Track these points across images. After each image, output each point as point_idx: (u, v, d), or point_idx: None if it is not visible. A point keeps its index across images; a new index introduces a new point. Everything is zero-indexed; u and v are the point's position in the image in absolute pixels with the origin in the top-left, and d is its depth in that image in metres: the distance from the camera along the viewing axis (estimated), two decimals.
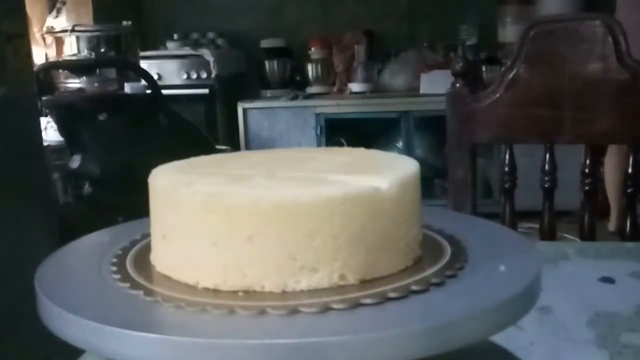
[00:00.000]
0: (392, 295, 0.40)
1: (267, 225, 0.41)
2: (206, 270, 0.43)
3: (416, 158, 0.51)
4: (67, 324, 0.40)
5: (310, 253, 0.42)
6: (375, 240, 0.43)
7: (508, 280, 0.43)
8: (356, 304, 0.39)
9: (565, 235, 2.19)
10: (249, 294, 0.42)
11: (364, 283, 0.43)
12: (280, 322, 0.38)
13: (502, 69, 1.28)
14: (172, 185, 0.45)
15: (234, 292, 0.42)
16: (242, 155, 0.60)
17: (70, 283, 0.46)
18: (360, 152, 0.55)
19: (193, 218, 0.43)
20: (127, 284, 0.44)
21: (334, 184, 0.44)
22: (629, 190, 1.23)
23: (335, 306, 0.39)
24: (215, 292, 0.42)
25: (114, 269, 0.47)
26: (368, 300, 0.40)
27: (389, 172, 0.46)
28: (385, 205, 0.44)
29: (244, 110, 3.66)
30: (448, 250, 0.48)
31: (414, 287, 0.41)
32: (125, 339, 0.37)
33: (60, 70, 2.96)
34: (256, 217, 0.41)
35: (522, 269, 0.45)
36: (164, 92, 2.91)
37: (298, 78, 3.92)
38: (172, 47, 3.89)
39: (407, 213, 0.46)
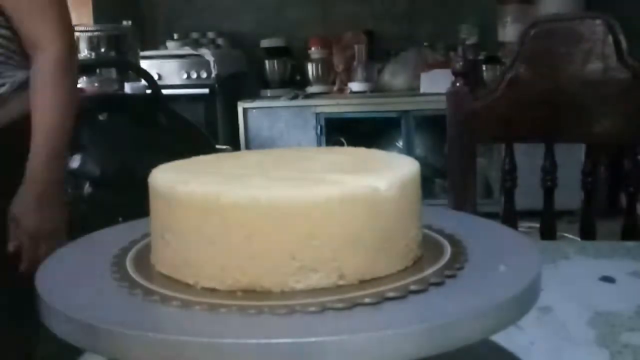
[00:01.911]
0: (390, 295, 0.40)
1: (265, 225, 0.41)
2: (205, 270, 0.43)
3: (416, 157, 0.51)
4: (67, 324, 0.40)
5: (309, 253, 0.41)
6: (374, 240, 0.43)
7: (508, 280, 0.43)
8: (354, 304, 0.39)
9: (566, 234, 2.19)
10: (247, 293, 0.42)
11: (363, 283, 0.42)
12: (279, 321, 0.38)
13: (502, 68, 1.28)
14: (170, 184, 0.45)
15: (233, 292, 0.42)
16: (242, 155, 0.60)
17: (70, 283, 0.46)
18: (360, 151, 0.55)
19: (190, 217, 0.43)
20: (127, 284, 0.44)
21: (332, 184, 0.44)
22: (629, 190, 1.23)
23: (333, 306, 0.39)
24: (214, 291, 0.42)
25: (114, 268, 0.47)
26: (367, 300, 0.40)
27: (389, 172, 0.46)
28: (384, 205, 0.43)
29: (244, 109, 3.66)
30: (448, 250, 0.48)
31: (412, 287, 0.41)
32: (124, 339, 0.37)
33: None
34: (253, 216, 0.41)
35: (522, 269, 0.45)
36: (164, 92, 2.91)
37: (298, 78, 3.92)
38: (172, 47, 3.89)
39: (407, 213, 0.46)
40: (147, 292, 0.43)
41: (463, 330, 0.38)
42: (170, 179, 0.46)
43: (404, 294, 0.41)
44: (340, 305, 0.39)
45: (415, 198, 0.47)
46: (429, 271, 0.44)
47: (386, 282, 0.42)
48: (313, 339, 0.36)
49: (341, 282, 0.42)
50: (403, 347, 0.36)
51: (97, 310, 0.41)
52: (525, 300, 0.42)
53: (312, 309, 0.39)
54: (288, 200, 0.41)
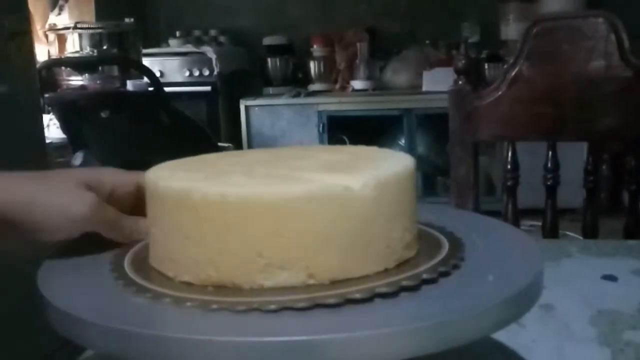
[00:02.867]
0: (355, 296, 0.40)
1: (233, 222, 0.41)
2: (182, 264, 0.44)
3: (418, 156, 0.50)
4: (68, 322, 0.40)
5: (276, 251, 0.41)
6: (346, 240, 0.42)
7: (510, 278, 0.43)
8: (315, 304, 0.39)
9: (568, 233, 2.19)
10: (219, 289, 0.42)
11: (335, 283, 0.42)
12: (236, 319, 0.38)
13: (505, 66, 1.28)
14: (153, 180, 0.46)
15: (206, 287, 0.42)
16: (243, 154, 0.60)
17: (71, 281, 0.46)
18: (359, 149, 0.54)
19: (168, 212, 0.44)
20: (121, 280, 0.44)
21: (306, 182, 0.43)
22: (631, 188, 1.23)
23: (292, 305, 0.39)
24: (190, 285, 0.43)
25: (114, 266, 0.47)
26: (330, 301, 0.39)
27: (370, 171, 0.45)
28: (358, 205, 0.43)
29: (246, 107, 3.66)
30: (446, 249, 0.48)
31: (380, 290, 0.40)
32: (112, 334, 0.38)
33: (63, 68, 2.96)
34: (222, 213, 0.41)
35: (525, 267, 0.45)
36: (166, 89, 2.91)
37: (300, 75, 3.91)
38: (174, 44, 3.89)
39: (388, 214, 0.45)
40: (126, 283, 0.44)
41: (464, 328, 0.38)
42: (156, 175, 0.47)
43: (370, 296, 0.40)
44: (302, 304, 0.39)
45: (402, 198, 0.46)
46: (407, 274, 0.43)
47: (358, 283, 0.42)
48: (254, 339, 0.36)
49: (311, 282, 0.42)
50: (365, 349, 0.36)
51: (96, 308, 0.41)
52: (527, 298, 0.42)
53: (272, 306, 0.39)
54: (255, 197, 0.41)
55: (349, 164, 0.49)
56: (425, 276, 0.42)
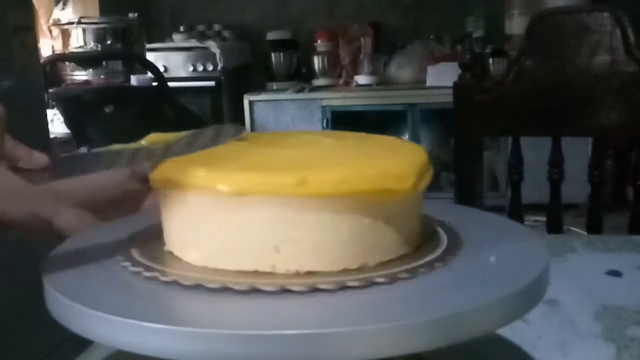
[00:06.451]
0: (378, 280, 0.40)
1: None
2: (238, 255, 0.43)
3: None
4: (74, 315, 0.40)
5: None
6: (390, 226, 0.43)
7: (515, 273, 0.43)
8: (371, 283, 0.40)
9: (572, 228, 2.18)
10: (249, 274, 0.42)
11: (382, 264, 0.43)
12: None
13: (509, 61, 1.28)
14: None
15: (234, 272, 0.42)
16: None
17: (77, 273, 0.46)
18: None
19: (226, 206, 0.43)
20: (131, 268, 0.44)
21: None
22: (636, 183, 1.22)
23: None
24: (253, 273, 0.42)
25: (121, 257, 0.47)
26: (382, 280, 0.40)
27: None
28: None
29: (250, 102, 3.66)
30: (445, 243, 0.48)
31: (401, 275, 0.41)
32: (130, 328, 0.37)
33: (67, 63, 2.96)
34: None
35: (530, 262, 0.45)
36: (170, 84, 2.92)
37: (304, 70, 3.91)
38: (178, 39, 3.89)
39: (416, 201, 0.46)
40: (147, 269, 0.43)
41: (470, 324, 0.38)
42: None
43: (392, 280, 0.41)
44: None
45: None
46: (419, 262, 0.44)
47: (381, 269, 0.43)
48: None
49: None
50: (392, 342, 0.36)
51: (102, 298, 0.41)
52: (533, 294, 0.42)
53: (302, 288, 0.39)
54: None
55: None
56: (438, 264, 0.43)
